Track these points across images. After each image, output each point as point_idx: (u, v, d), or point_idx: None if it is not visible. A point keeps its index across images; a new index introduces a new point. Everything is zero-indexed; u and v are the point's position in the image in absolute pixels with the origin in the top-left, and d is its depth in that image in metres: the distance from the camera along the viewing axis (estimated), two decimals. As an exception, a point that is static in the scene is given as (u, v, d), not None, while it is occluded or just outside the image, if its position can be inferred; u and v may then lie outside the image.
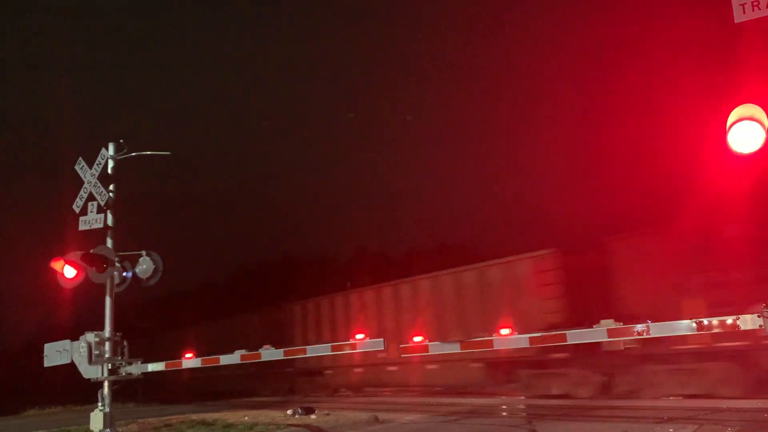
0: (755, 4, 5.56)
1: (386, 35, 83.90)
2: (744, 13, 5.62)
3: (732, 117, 5.41)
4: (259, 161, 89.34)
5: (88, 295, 10.96)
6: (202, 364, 10.15)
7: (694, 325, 6.42)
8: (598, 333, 6.85)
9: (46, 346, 10.51)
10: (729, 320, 6.24)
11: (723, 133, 5.61)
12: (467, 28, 74.45)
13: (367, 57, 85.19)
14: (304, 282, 38.79)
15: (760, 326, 5.95)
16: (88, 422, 10.11)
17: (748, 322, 6.08)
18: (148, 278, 10.44)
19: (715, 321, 6.36)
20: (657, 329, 6.69)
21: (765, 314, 5.90)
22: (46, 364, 10.48)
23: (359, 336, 8.66)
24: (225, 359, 9.62)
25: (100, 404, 9.97)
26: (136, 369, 10.16)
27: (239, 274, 53.68)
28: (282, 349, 9.45)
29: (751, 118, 5.27)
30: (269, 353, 9.36)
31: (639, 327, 6.75)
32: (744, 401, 11.80)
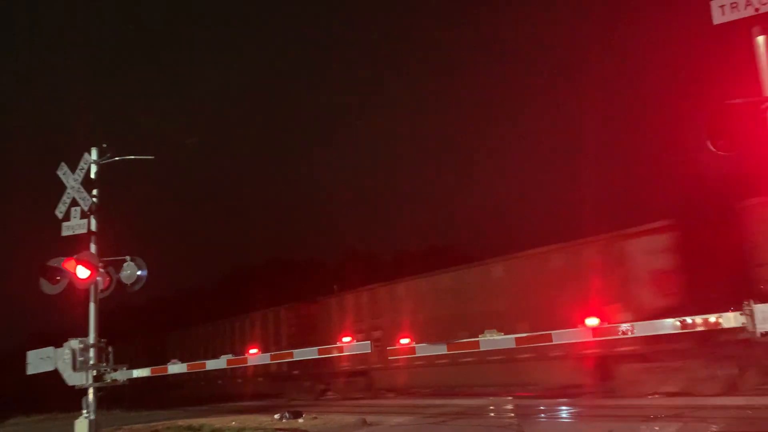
0: (733, 5, 5.65)
1: (377, 33, 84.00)
2: (723, 14, 5.72)
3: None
4: (246, 165, 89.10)
5: (71, 301, 10.84)
6: (188, 369, 10.09)
7: (678, 323, 6.47)
8: (582, 332, 6.89)
9: (29, 353, 10.38)
10: (712, 318, 6.29)
11: (704, 131, 5.69)
12: (461, 26, 74.77)
13: (357, 57, 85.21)
14: (292, 285, 38.64)
15: (743, 324, 6.00)
16: (72, 430, 10.00)
17: (731, 320, 6.14)
18: (133, 284, 10.34)
19: (698, 319, 6.41)
20: (642, 328, 6.74)
21: (747, 312, 5.95)
22: (29, 371, 10.35)
23: (346, 339, 8.66)
24: (211, 364, 9.58)
25: (84, 411, 9.87)
26: (121, 375, 10.06)
27: (226, 278, 53.42)
28: (269, 353, 9.43)
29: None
30: (257, 358, 9.34)
31: (624, 326, 6.79)
32: (727, 398, 11.90)
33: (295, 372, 22.49)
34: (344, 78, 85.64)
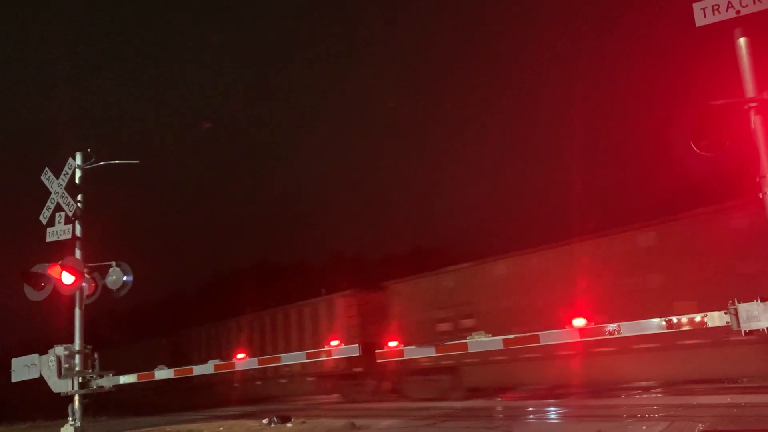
0: (715, 8, 5.72)
1: (366, 36, 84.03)
2: (705, 17, 5.79)
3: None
4: (231, 168, 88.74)
5: (56, 307, 10.74)
6: (174, 375, 10.00)
7: (664, 323, 6.52)
8: (570, 333, 6.92)
9: (14, 360, 10.26)
10: (697, 318, 6.34)
11: (688, 131, 5.75)
12: (449, 28, 74.95)
13: (344, 60, 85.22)
14: (279, 288, 38.57)
15: (727, 323, 6.06)
16: (58, 438, 9.90)
17: (715, 319, 6.19)
18: (119, 289, 10.26)
19: (684, 319, 6.46)
20: (628, 329, 6.77)
21: (731, 311, 6.01)
22: (14, 379, 10.24)
23: (334, 342, 8.63)
24: (198, 369, 9.51)
25: (70, 419, 9.76)
26: (107, 382, 9.97)
27: (213, 283, 53.24)
28: (256, 358, 9.39)
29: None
30: (244, 362, 9.29)
31: (611, 327, 6.83)
32: (715, 396, 12.01)
33: (357, 369, 19.46)
34: (331, 82, 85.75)
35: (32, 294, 10.11)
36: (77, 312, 10.19)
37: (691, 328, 6.52)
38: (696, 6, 5.82)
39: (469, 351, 7.77)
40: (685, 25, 5.90)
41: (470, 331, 16.52)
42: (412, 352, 8.59)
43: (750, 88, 5.67)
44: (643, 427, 9.42)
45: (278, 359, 9.61)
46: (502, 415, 13.35)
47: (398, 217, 73.49)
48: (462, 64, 75.52)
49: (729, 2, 5.69)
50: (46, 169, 10.72)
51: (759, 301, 5.83)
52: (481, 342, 7.62)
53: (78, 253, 10.30)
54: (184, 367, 10.03)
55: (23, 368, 10.09)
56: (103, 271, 10.26)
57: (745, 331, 5.90)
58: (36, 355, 10.05)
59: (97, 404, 11.82)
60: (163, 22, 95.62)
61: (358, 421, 13.03)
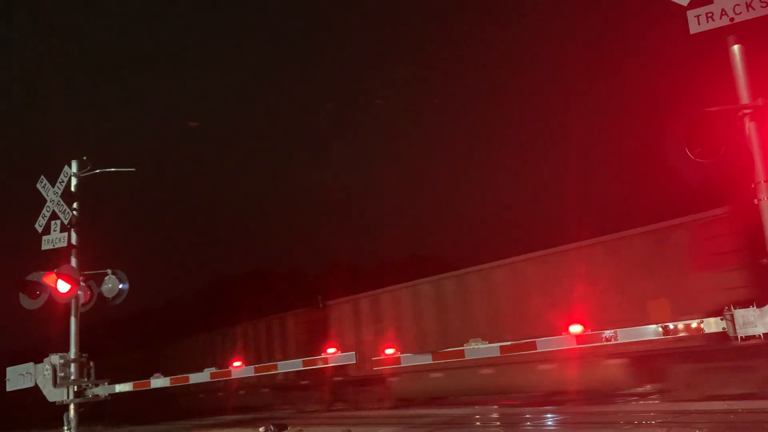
0: (709, 15, 5.76)
1: (365, 44, 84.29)
2: (699, 24, 5.83)
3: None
4: (227, 175, 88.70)
5: (52, 315, 10.70)
6: (170, 383, 9.97)
7: (660, 329, 6.52)
8: (566, 339, 6.91)
9: (9, 369, 10.23)
10: (693, 324, 6.35)
11: (683, 138, 5.78)
12: (447, 36, 75.23)
13: (342, 67, 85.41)
14: (275, 296, 38.45)
15: (723, 329, 6.07)
16: (53, 447, 9.86)
17: (711, 325, 6.20)
18: (114, 297, 10.24)
19: (680, 324, 6.47)
20: (625, 335, 6.77)
21: (727, 317, 6.02)
22: (9, 388, 10.20)
23: (330, 350, 8.61)
24: (194, 378, 9.48)
25: (66, 428, 9.73)
26: (102, 390, 9.94)
27: (208, 290, 53.01)
28: (253, 366, 9.35)
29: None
30: (240, 371, 9.25)
31: (607, 333, 6.82)
32: (712, 403, 12.00)
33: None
34: (326, 88, 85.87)
35: (27, 302, 10.08)
36: (72, 320, 10.16)
37: (687, 334, 6.53)
38: (690, 13, 5.87)
39: (466, 358, 7.74)
40: (679, 32, 5.94)
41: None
42: (410, 360, 8.56)
43: (744, 95, 5.71)
44: (640, 434, 9.41)
45: (275, 367, 9.59)
46: (499, 423, 13.32)
47: (393, 223, 73.53)
48: (457, 72, 75.80)
49: (723, 10, 5.74)
50: (42, 177, 10.73)
51: (754, 307, 5.84)
52: (477, 349, 7.60)
53: (74, 261, 10.28)
54: (179, 375, 9.98)
55: (18, 377, 10.06)
56: (99, 279, 10.25)
57: (741, 337, 5.92)
58: (31, 364, 10.02)
59: (93, 412, 11.74)
60: (161, 26, 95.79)
61: (355, 429, 13.00)
